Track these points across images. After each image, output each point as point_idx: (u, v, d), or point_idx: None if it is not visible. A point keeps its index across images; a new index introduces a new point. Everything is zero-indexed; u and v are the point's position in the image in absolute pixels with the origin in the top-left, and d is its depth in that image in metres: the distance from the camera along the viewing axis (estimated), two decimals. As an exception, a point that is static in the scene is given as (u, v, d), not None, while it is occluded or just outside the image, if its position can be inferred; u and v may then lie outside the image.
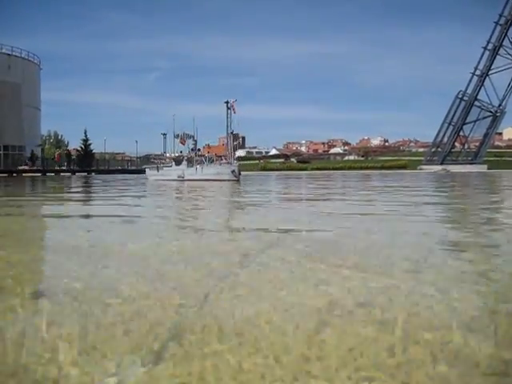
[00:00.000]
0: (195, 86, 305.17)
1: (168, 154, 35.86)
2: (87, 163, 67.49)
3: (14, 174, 49.45)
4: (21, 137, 58.09)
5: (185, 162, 32.56)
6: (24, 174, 50.77)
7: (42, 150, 67.83)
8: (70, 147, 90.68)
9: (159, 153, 44.81)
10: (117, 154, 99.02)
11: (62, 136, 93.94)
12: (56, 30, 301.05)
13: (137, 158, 74.20)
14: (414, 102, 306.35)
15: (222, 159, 33.55)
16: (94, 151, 75.33)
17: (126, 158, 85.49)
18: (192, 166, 31.64)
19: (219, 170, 29.65)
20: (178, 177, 30.80)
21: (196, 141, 34.63)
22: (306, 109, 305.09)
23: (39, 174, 52.19)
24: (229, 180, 26.74)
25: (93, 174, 59.28)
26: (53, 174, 54.15)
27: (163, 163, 37.07)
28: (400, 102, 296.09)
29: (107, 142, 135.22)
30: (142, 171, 40.38)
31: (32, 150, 56.85)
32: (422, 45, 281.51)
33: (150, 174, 34.59)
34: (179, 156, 34.27)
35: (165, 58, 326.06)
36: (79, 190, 18.86)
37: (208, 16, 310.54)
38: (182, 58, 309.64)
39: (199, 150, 34.87)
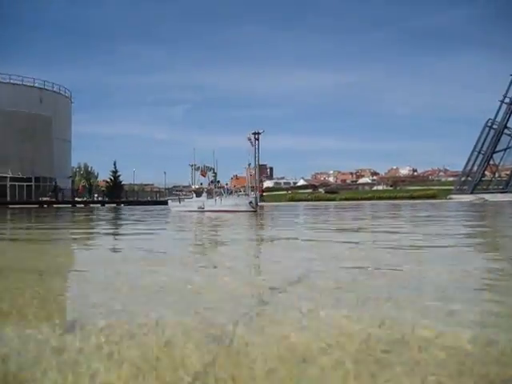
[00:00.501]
0: (222, 118, 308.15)
1: (193, 186, 35.86)
2: (116, 194, 68.24)
3: (45, 206, 50.21)
4: (51, 169, 58.97)
5: (205, 194, 33.18)
6: (55, 206, 51.48)
7: (73, 181, 68.80)
8: (100, 179, 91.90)
9: (187, 184, 45.50)
10: (145, 185, 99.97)
11: (91, 168, 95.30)
12: (85, 63, 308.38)
13: (165, 189, 74.80)
14: (442, 131, 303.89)
15: (240, 191, 34.71)
16: (123, 182, 76.30)
17: (155, 189, 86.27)
18: (212, 198, 32.25)
19: (237, 201, 30.45)
20: (199, 208, 31.24)
21: (216, 173, 35.28)
22: (332, 139, 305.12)
23: (69, 205, 52.96)
24: (246, 211, 27.13)
25: (122, 205, 59.87)
26: (82, 206, 54.98)
27: (185, 195, 38.09)
28: (428, 131, 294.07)
29: (136, 174, 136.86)
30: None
31: (55, 182, 57.67)
32: (448, 72, 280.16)
33: (173, 205, 35.25)
34: (199, 188, 34.90)
35: (192, 90, 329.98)
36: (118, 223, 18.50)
37: (232, 46, 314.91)
38: (208, 90, 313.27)
39: (219, 181, 35.40)
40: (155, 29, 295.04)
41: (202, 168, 35.44)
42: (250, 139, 34.95)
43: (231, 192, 33.87)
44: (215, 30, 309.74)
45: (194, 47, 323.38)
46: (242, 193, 33.99)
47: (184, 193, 41.94)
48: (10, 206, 46.39)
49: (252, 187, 35.06)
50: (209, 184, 34.94)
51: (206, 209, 30.94)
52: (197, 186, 35.50)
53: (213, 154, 37.27)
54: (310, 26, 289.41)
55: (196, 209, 31.14)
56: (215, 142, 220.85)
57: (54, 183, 57.07)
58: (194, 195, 34.23)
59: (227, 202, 30.52)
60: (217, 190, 33.42)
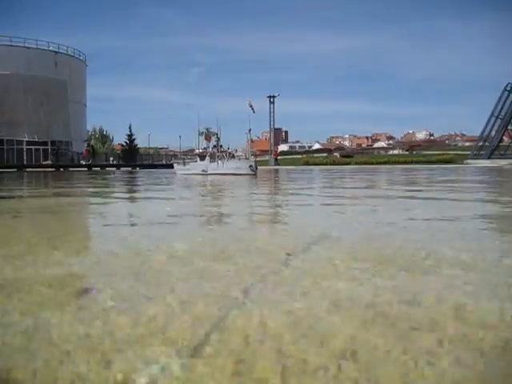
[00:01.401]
0: (236, 81, 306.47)
1: (197, 150, 37.11)
2: (132, 158, 68.57)
3: (61, 169, 50.51)
4: (67, 132, 59.06)
5: (208, 158, 34.38)
6: (71, 169, 51.85)
7: (88, 145, 69.21)
8: (115, 142, 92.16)
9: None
10: (160, 148, 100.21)
11: (106, 131, 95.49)
12: (99, 26, 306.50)
13: (180, 152, 74.89)
14: (461, 95, 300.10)
15: (241, 155, 36.01)
16: (138, 146, 76.53)
17: (170, 153, 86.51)
18: (214, 161, 33.37)
19: (238, 164, 31.55)
20: (202, 171, 32.41)
21: (219, 138, 36.17)
22: (348, 103, 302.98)
23: (86, 169, 53.27)
24: (247, 174, 28.31)
25: (137, 168, 60.12)
26: (99, 169, 55.29)
27: (190, 158, 39.27)
28: (446, 95, 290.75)
29: (152, 137, 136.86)
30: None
31: (57, 146, 57.43)
32: (470, 36, 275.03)
33: (178, 168, 36.41)
34: (203, 152, 36.02)
35: (206, 53, 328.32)
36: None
37: (247, 11, 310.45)
38: (222, 53, 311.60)
39: (221, 146, 36.05)
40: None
41: (206, 133, 36.40)
42: (250, 105, 35.41)
43: (233, 156, 34.86)
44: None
45: (208, 10, 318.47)
46: (244, 156, 35.05)
47: (189, 156, 42.99)
48: (27, 170, 46.89)
49: (253, 152, 36.51)
50: (212, 148, 36.01)
51: (208, 172, 31.92)
52: (200, 150, 36.61)
53: (216, 120, 38.03)
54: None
55: (200, 172, 32.17)
56: (230, 105, 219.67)
57: (55, 147, 57.16)
58: (198, 159, 35.35)
59: (229, 166, 31.65)
60: (219, 154, 34.30)
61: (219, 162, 33.09)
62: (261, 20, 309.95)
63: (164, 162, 66.80)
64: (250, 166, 30.22)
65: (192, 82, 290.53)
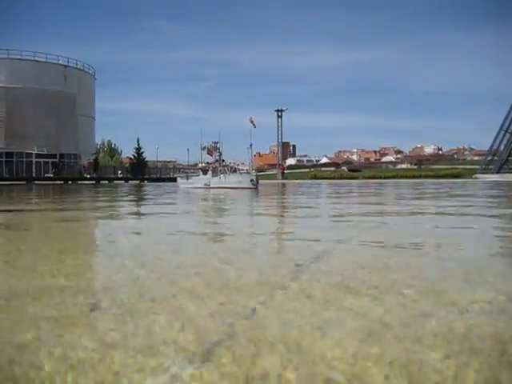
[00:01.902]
0: (245, 95, 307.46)
1: (200, 165, 38.71)
2: (140, 171, 68.77)
3: (70, 182, 50.76)
4: (76, 146, 59.25)
5: (210, 172, 35.20)
6: (79, 182, 52.08)
7: (96, 158, 69.48)
8: (123, 155, 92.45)
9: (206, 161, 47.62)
10: (168, 162, 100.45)
11: (115, 144, 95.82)
12: (109, 40, 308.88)
13: (188, 165, 75.09)
14: (469, 109, 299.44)
15: (243, 170, 36.43)
16: (146, 159, 76.75)
17: (178, 166, 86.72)
18: (216, 176, 34.36)
19: (240, 179, 32.45)
20: (205, 184, 33.20)
21: (221, 152, 37.10)
22: (356, 117, 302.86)
23: (93, 182, 53.55)
24: (248, 188, 29.08)
25: (145, 181, 60.36)
26: (107, 182, 55.55)
27: (193, 172, 40.38)
28: (454, 109, 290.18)
29: (160, 151, 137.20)
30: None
31: (58, 160, 57.35)
32: (476, 48, 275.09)
33: (181, 182, 37.42)
34: (205, 166, 36.98)
35: (215, 67, 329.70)
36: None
37: (257, 24, 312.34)
38: (231, 67, 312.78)
39: (223, 160, 36.93)
40: (180, 6, 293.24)
41: (209, 147, 37.57)
42: (251, 121, 36.38)
43: (235, 170, 35.49)
44: (240, 7, 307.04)
45: (217, 25, 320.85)
46: (245, 171, 35.63)
47: (192, 170, 43.88)
48: (36, 182, 47.13)
49: (254, 167, 38.64)
50: (214, 162, 36.80)
51: (211, 185, 32.72)
52: (203, 164, 37.90)
53: (219, 135, 39.54)
54: (336, 4, 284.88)
55: (202, 185, 32.96)
56: (237, 118, 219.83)
57: (57, 159, 57.09)
58: (201, 173, 36.25)
59: (231, 180, 32.59)
60: (221, 168, 35.16)
61: (221, 176, 34.03)
62: (267, 33, 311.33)
63: (172, 176, 66.96)
64: (251, 180, 31.04)
65: (201, 96, 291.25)
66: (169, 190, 26.74)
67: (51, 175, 54.09)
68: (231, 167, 35.96)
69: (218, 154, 37.16)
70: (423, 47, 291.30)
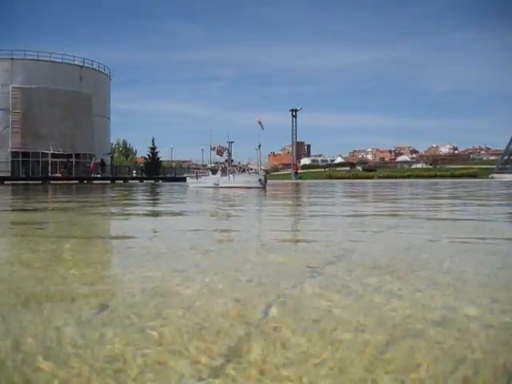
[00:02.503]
0: (259, 95, 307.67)
1: (209, 165, 39.66)
2: (154, 171, 68.96)
3: (85, 182, 51.06)
4: (92, 145, 59.40)
5: (219, 172, 35.94)
6: (94, 182, 52.39)
7: (112, 158, 69.64)
8: (138, 155, 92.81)
9: (222, 160, 48.13)
10: (183, 161, 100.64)
11: (130, 144, 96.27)
12: (124, 41, 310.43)
13: (202, 165, 75.02)
14: (485, 108, 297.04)
15: (251, 170, 37.13)
16: (161, 159, 76.94)
17: (192, 166, 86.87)
18: (226, 175, 34.98)
19: (248, 178, 33.17)
20: (214, 184, 33.89)
21: (230, 153, 38.28)
22: (371, 116, 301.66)
23: (108, 181, 53.77)
24: (256, 187, 29.82)
25: (160, 181, 60.52)
26: (122, 181, 55.81)
27: (202, 172, 41.12)
28: (469, 109, 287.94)
29: (174, 150, 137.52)
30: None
31: (67, 159, 57.13)
32: (491, 48, 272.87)
33: (190, 181, 38.05)
34: (215, 166, 37.87)
35: (229, 68, 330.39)
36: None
37: (271, 25, 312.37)
38: (245, 67, 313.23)
39: (232, 160, 38.18)
40: (194, 6, 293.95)
41: (218, 148, 38.02)
42: (259, 122, 37.05)
43: (244, 170, 36.29)
44: (253, 8, 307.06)
45: (231, 25, 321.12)
46: (253, 171, 36.20)
47: (201, 170, 44.69)
48: (52, 182, 47.42)
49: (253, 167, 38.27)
50: (223, 162, 37.91)
51: (220, 185, 33.38)
52: (213, 165, 38.68)
53: (227, 136, 39.92)
54: (349, 4, 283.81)
55: (212, 185, 33.69)
56: (252, 118, 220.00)
57: (66, 159, 56.89)
58: (210, 173, 36.81)
59: (240, 179, 33.31)
60: (230, 168, 36.02)
61: (230, 176, 34.60)
62: (281, 34, 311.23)
63: (185, 175, 67.01)
64: (260, 180, 31.73)
65: (215, 96, 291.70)
66: (181, 190, 27.32)
67: (59, 175, 54.22)
68: (240, 167, 36.85)
69: (227, 154, 38.08)
70: (437, 47, 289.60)
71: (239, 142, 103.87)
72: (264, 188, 29.29)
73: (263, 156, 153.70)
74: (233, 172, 35.27)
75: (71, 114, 57.07)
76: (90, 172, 56.01)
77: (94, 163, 57.17)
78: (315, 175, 79.38)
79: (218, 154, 38.26)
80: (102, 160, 59.04)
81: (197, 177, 38.41)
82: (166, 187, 32.61)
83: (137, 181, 59.57)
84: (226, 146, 38.57)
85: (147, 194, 19.97)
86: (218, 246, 4.60)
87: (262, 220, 8.01)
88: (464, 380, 1.45)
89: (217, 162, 38.71)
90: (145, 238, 5.16)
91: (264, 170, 39.35)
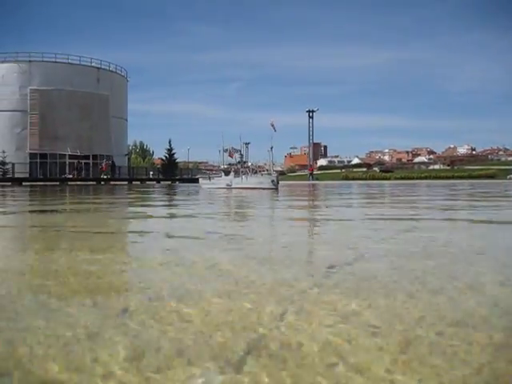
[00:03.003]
0: (275, 95, 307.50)
1: (222, 166, 40.33)
2: (171, 172, 69.02)
3: (102, 183, 51.19)
4: (109, 147, 59.60)
5: (232, 173, 36.79)
6: (112, 183, 52.54)
7: (129, 159, 69.72)
8: (155, 156, 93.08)
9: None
10: (200, 162, 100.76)
11: (147, 146, 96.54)
12: (141, 43, 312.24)
13: (219, 166, 74.97)
14: (504, 108, 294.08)
15: (264, 171, 38.59)
16: (177, 160, 77.02)
17: (209, 167, 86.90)
18: (238, 176, 35.74)
19: (261, 179, 33.94)
20: (227, 185, 34.73)
21: (242, 155, 39.02)
22: (388, 117, 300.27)
23: (126, 183, 53.90)
24: (269, 188, 30.36)
25: (176, 182, 60.60)
26: (139, 183, 55.98)
27: (215, 173, 42.49)
28: (488, 109, 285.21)
29: (191, 151, 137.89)
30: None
31: (78, 161, 56.83)
32: (509, 46, 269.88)
33: (203, 182, 38.98)
34: (228, 168, 38.68)
35: (245, 69, 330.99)
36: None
37: (286, 26, 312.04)
38: (261, 68, 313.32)
39: (245, 162, 39.09)
40: (210, 8, 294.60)
41: (230, 150, 38.70)
42: (272, 125, 38.17)
43: (256, 171, 37.40)
44: (269, 10, 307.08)
45: (247, 27, 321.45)
46: (266, 172, 37.12)
47: (214, 172, 45.58)
48: (69, 183, 47.61)
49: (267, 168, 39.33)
50: (236, 164, 38.37)
51: (233, 186, 34.19)
52: (225, 166, 39.39)
53: (239, 139, 40.94)
54: (362, 5, 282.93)
55: (224, 186, 34.51)
56: (268, 119, 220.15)
57: (76, 161, 56.71)
58: (223, 174, 37.82)
59: (252, 180, 34.00)
60: (243, 169, 36.80)
61: (243, 177, 35.32)
62: (297, 35, 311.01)
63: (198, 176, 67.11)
64: (272, 181, 32.20)
65: (231, 97, 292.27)
66: (197, 190, 28.14)
67: (71, 176, 54.38)
68: (253, 169, 37.77)
69: (239, 156, 38.64)
70: (455, 47, 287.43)
71: (255, 143, 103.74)
72: (276, 189, 29.78)
73: (280, 157, 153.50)
74: (246, 173, 35.99)
75: (88, 116, 57.30)
76: (101, 173, 55.94)
77: (106, 164, 57.24)
78: (332, 176, 79.06)
79: (229, 155, 38.84)
80: (112, 161, 59.07)
81: (209, 178, 39.17)
82: (182, 188, 33.44)
83: (154, 182, 59.59)
84: (239, 147, 39.35)
85: (173, 197, 18.95)
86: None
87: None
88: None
89: (230, 164, 39.32)
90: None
91: (276, 172, 39.63)
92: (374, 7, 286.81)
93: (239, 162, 38.19)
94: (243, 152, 39.43)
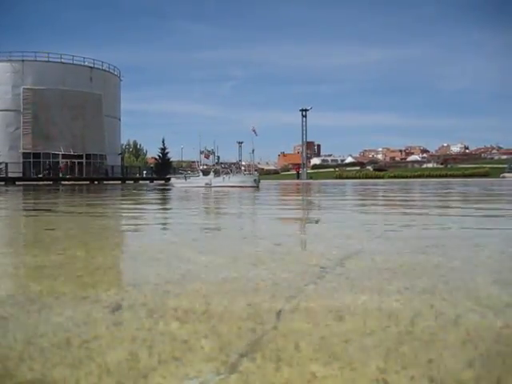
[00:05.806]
0: (270, 94, 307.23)
1: (201, 167, 41.56)
2: (165, 171, 69.03)
3: (96, 182, 51.13)
4: (102, 146, 59.26)
5: (212, 173, 38.17)
6: (105, 182, 52.53)
7: (122, 158, 69.78)
8: (149, 156, 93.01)
9: (235, 160, 49.25)
10: (193, 162, 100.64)
11: (140, 145, 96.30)
12: (134, 41, 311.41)
13: (213, 165, 74.98)
14: (496, 107, 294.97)
15: (245, 170, 40.62)
16: (171, 159, 77.04)
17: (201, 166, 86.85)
18: (219, 176, 37.18)
19: (243, 178, 35.64)
20: (206, 184, 35.63)
21: (218, 156, 41.93)
22: (382, 115, 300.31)
23: (119, 182, 53.93)
24: (250, 186, 31.62)
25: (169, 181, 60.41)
26: (132, 182, 56.08)
27: (189, 173, 43.72)
28: (481, 108, 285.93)
29: (185, 151, 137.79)
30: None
31: (49, 161, 56.09)
32: (503, 47, 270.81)
33: (176, 182, 40.15)
34: (207, 168, 40.28)
35: (240, 67, 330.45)
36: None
37: (282, 25, 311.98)
38: (256, 67, 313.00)
39: (222, 163, 41.54)
40: (205, 6, 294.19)
41: (205, 151, 40.86)
42: (253, 130, 40.70)
43: (239, 171, 39.54)
44: (264, 8, 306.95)
45: (242, 25, 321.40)
46: (247, 172, 39.18)
47: (189, 171, 47.04)
48: (63, 183, 47.54)
49: (255, 169, 41.60)
50: (213, 165, 40.36)
51: (213, 185, 35.02)
52: (205, 167, 40.83)
53: (213, 143, 42.73)
54: (359, 4, 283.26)
55: (203, 185, 35.18)
56: (263, 118, 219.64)
57: (47, 161, 56.03)
58: (201, 174, 39.35)
59: (234, 179, 35.34)
60: (223, 169, 38.89)
61: (224, 176, 36.76)
62: (292, 33, 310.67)
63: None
64: (254, 180, 34.30)
65: (226, 96, 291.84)
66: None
67: (41, 176, 53.41)
68: (236, 167, 40.50)
69: (216, 157, 41.32)
70: (449, 46, 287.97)
71: (248, 142, 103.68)
72: (257, 187, 31.17)
73: (274, 156, 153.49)
74: (227, 173, 37.78)
75: (81, 115, 57.08)
76: (60, 173, 55.10)
77: (65, 164, 56.49)
78: (325, 175, 79.04)
79: (205, 157, 40.71)
80: (73, 162, 57.44)
81: (185, 178, 39.94)
82: (153, 187, 34.35)
83: (147, 181, 59.64)
84: (212, 149, 41.82)
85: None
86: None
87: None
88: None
89: (206, 165, 41.29)
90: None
91: (257, 171, 42.34)
92: (371, 6, 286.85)
93: (217, 163, 40.51)
94: (217, 153, 42.10)
